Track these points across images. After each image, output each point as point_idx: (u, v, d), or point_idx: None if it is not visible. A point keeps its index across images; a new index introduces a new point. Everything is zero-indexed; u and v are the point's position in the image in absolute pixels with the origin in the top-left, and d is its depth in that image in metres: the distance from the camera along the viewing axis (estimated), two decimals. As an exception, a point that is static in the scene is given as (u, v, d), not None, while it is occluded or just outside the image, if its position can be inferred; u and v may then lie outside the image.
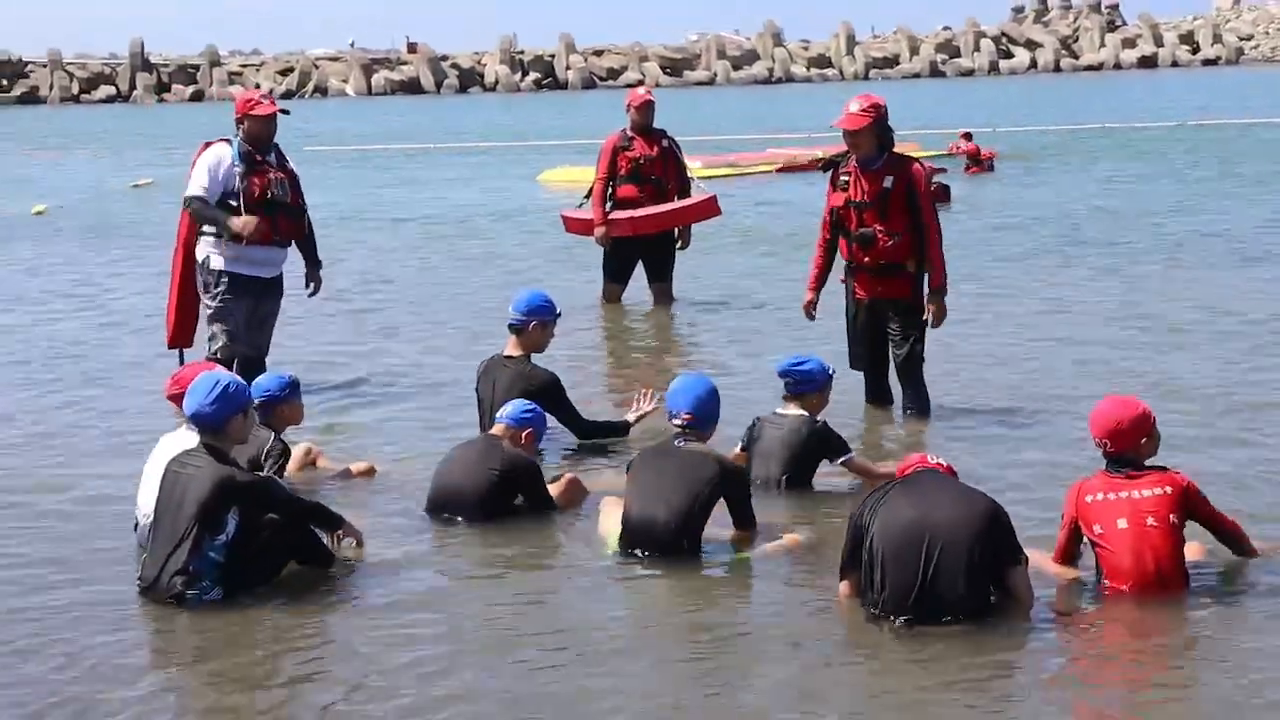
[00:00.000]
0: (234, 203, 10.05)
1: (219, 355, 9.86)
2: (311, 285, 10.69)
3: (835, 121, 9.20)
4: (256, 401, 7.72)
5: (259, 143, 10.17)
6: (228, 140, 10.25)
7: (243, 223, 9.96)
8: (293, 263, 10.58)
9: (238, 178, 10.05)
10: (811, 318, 9.66)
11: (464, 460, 7.54)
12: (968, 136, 29.24)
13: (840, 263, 9.48)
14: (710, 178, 26.56)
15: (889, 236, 9.18)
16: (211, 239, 10.16)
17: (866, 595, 6.08)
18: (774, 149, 32.81)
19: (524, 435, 7.69)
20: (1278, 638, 5.93)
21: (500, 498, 7.44)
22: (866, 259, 9.27)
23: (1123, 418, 6.42)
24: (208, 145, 10.31)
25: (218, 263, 10.15)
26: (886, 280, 9.27)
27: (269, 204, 10.11)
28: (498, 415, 7.83)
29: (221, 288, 10.13)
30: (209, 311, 10.21)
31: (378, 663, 5.81)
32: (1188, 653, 5.93)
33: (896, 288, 9.28)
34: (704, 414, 7.09)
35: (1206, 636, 6.02)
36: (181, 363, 10.34)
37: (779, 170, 28.80)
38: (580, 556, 7.03)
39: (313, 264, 10.60)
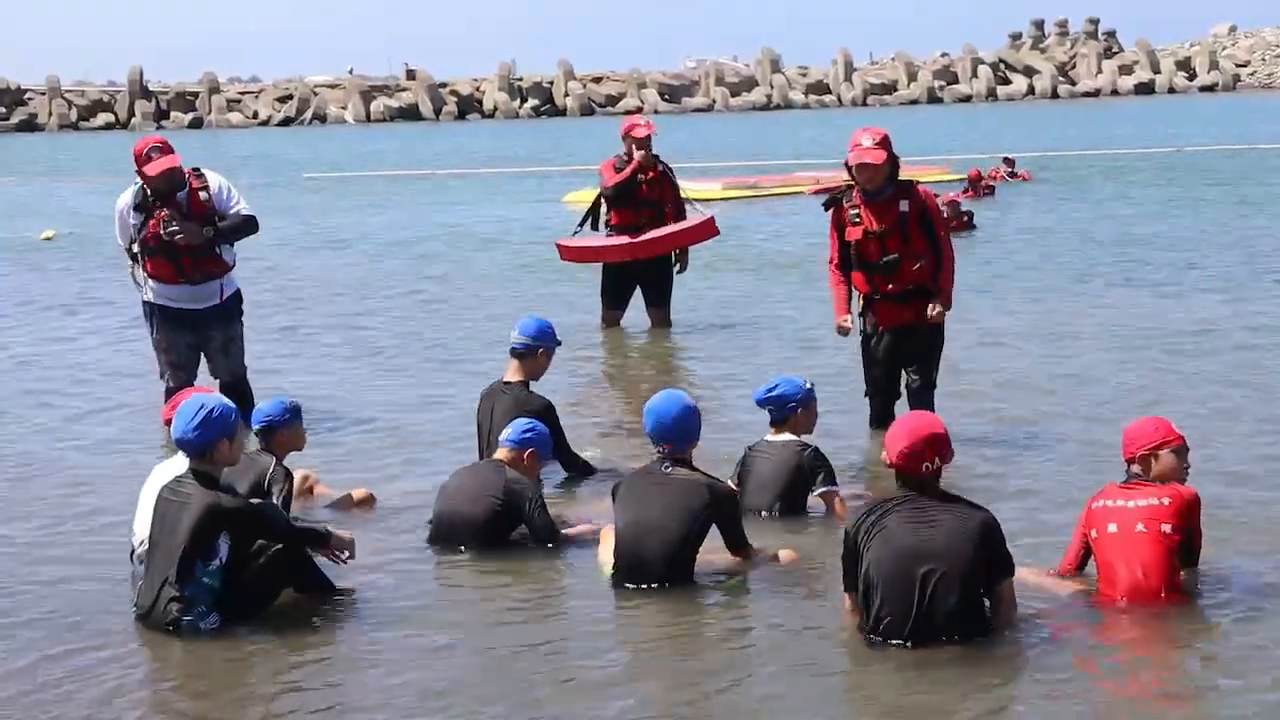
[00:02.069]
0: (135, 248, 10.01)
1: (170, 385, 9.84)
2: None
3: (854, 158, 9.14)
4: (257, 427, 7.71)
5: (158, 194, 9.96)
6: (136, 182, 10.07)
7: None
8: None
9: (133, 227, 10.00)
10: (846, 333, 9.51)
11: (466, 488, 7.52)
12: (1010, 162, 29.41)
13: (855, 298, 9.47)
14: (728, 199, 26.55)
15: (914, 259, 9.20)
16: (140, 271, 10.11)
17: (864, 621, 6.07)
18: (800, 172, 32.75)
19: (526, 455, 7.65)
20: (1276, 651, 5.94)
21: (502, 526, 7.44)
22: (891, 286, 9.25)
23: (1134, 429, 6.61)
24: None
25: (148, 294, 10.16)
26: (914, 305, 9.28)
27: (167, 248, 9.96)
28: (499, 438, 7.82)
29: (156, 320, 10.15)
30: (151, 342, 10.22)
31: (374, 691, 5.79)
32: (1185, 667, 5.92)
33: (924, 312, 9.27)
34: (681, 434, 6.98)
35: (1205, 651, 6.02)
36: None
37: (814, 191, 28.50)
38: (578, 586, 7.01)
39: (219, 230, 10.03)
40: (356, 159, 47.37)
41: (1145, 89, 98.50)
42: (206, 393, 7.42)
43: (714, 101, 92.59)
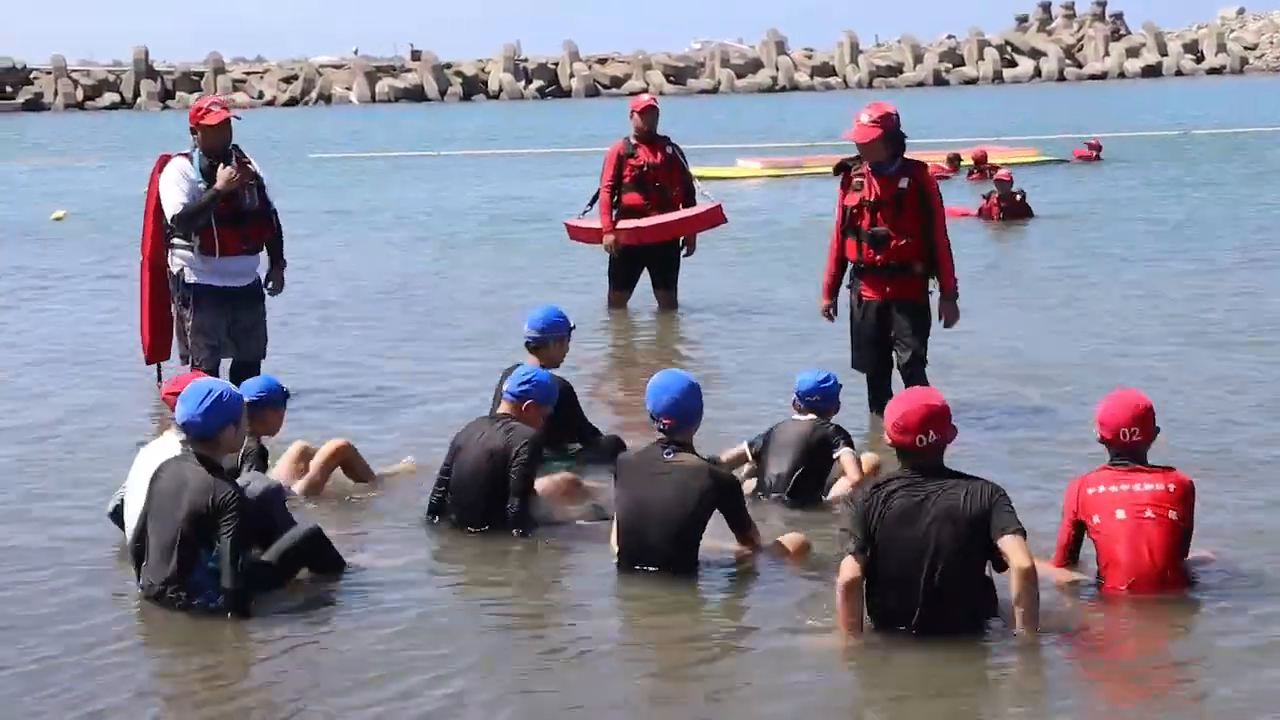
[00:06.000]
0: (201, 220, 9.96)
1: (203, 368, 9.83)
2: (273, 284, 10.45)
3: (846, 134, 9.34)
4: (247, 400, 7.77)
5: (214, 152, 10.03)
6: (186, 155, 10.10)
7: (225, 177, 9.90)
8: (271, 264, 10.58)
9: (202, 193, 9.93)
10: (831, 319, 9.83)
11: (473, 443, 7.53)
12: (1095, 148, 30.13)
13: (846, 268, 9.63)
14: (773, 177, 26.30)
15: (901, 236, 9.30)
16: (184, 252, 10.08)
17: (870, 606, 6.04)
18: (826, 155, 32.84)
19: (524, 406, 7.69)
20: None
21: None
22: (878, 258, 9.38)
23: (1131, 413, 6.54)
24: (165, 159, 10.21)
25: (191, 276, 10.07)
26: (896, 281, 9.43)
27: (237, 215, 10.02)
28: (502, 390, 7.93)
29: (197, 301, 10.06)
30: (187, 325, 10.15)
31: (375, 670, 5.81)
32: (1190, 658, 5.92)
33: (906, 288, 9.43)
34: (684, 413, 6.95)
35: (1210, 642, 6.03)
36: (159, 379, 10.37)
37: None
38: (581, 569, 7.03)
39: (278, 264, 10.43)
40: (363, 139, 47.32)
41: (1152, 72, 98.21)
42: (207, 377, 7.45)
43: (719, 83, 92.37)
